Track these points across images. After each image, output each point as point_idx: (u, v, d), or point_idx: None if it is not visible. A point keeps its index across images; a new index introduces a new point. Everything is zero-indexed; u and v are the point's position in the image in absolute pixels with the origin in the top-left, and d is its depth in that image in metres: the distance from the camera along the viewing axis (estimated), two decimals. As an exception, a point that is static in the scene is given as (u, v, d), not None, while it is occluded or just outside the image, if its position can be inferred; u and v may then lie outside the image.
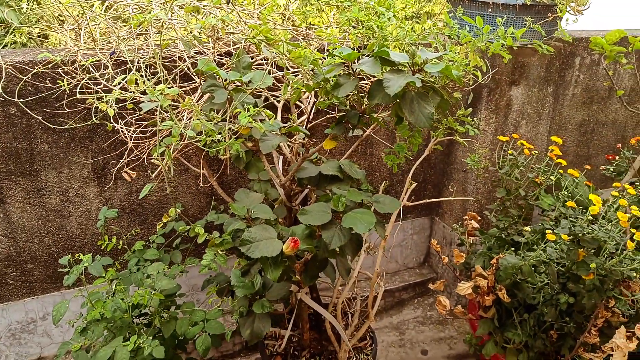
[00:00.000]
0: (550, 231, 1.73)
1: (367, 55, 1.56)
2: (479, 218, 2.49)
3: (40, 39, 3.70)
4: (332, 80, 1.51)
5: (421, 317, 3.19)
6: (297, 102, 2.24)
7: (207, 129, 1.46)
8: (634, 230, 1.72)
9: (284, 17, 2.02)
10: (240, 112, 1.51)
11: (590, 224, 1.70)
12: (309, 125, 2.24)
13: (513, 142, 2.28)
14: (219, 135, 1.51)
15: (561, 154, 2.19)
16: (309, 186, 1.99)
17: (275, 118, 2.14)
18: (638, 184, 2.40)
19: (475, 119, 2.87)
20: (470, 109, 2.06)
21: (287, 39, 2.09)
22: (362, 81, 1.82)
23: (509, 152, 2.17)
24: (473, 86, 2.06)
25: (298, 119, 2.18)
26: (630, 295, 1.68)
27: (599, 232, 1.63)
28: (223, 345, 2.80)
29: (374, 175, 2.97)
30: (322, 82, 1.54)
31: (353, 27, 1.74)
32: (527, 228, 1.86)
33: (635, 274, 1.61)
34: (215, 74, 1.61)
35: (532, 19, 2.46)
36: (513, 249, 1.96)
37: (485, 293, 1.99)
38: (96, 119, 1.67)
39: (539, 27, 2.10)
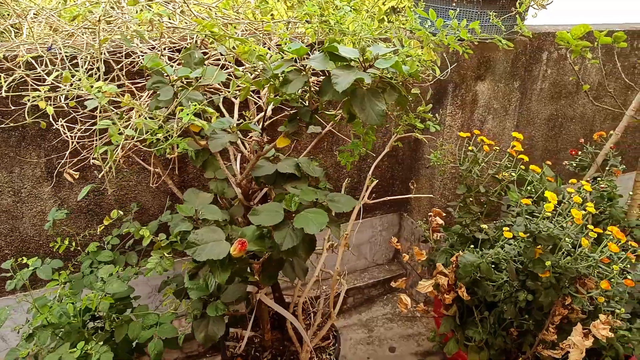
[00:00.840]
0: (507, 228, 1.72)
1: (319, 51, 1.51)
2: (444, 214, 2.47)
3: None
4: (282, 77, 1.47)
5: (390, 313, 3.17)
6: (257, 99, 2.19)
7: (149, 128, 1.40)
8: (592, 227, 1.71)
9: (238, 12, 1.97)
10: (201, 107, 1.46)
11: (547, 221, 1.68)
12: (269, 122, 2.19)
13: (474, 138, 2.25)
14: (164, 133, 1.46)
15: (522, 149, 2.17)
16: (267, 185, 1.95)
17: (233, 115, 2.09)
18: (600, 179, 2.40)
19: (440, 114, 2.85)
20: (430, 105, 2.03)
21: (246, 34, 2.04)
22: (316, 77, 1.77)
23: (469, 148, 2.15)
24: (432, 82, 2.03)
25: (258, 115, 2.14)
26: (586, 293, 1.67)
27: (554, 229, 1.62)
28: (187, 345, 2.75)
29: (341, 172, 2.94)
30: (271, 79, 1.49)
31: (307, 21, 1.69)
32: (485, 226, 1.85)
33: (590, 271, 1.60)
34: (162, 70, 1.55)
35: (495, 13, 2.44)
36: (473, 246, 1.94)
37: (445, 291, 1.97)
38: (42, 119, 1.61)
39: (498, 21, 2.08)
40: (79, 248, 2.09)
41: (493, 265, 1.91)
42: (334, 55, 1.44)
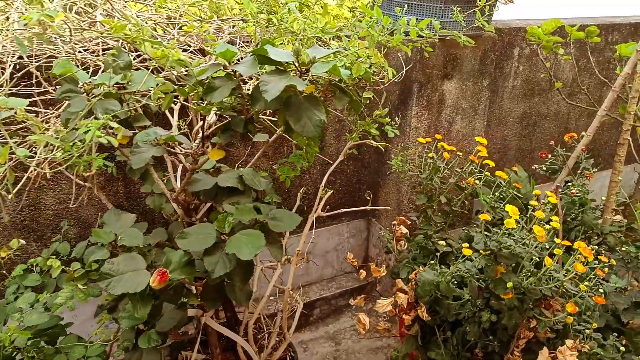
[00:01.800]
0: (467, 245, 1.57)
1: (251, 54, 1.35)
2: (409, 222, 2.32)
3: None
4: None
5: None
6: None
7: (54, 144, 1.22)
8: (559, 240, 1.57)
9: (178, 10, 1.79)
10: (105, 122, 1.29)
11: (508, 237, 1.54)
12: (216, 128, 2.02)
13: (437, 144, 2.10)
14: (78, 150, 1.28)
15: (493, 151, 2.02)
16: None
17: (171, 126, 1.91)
18: (572, 183, 2.27)
19: (405, 116, 2.70)
20: (387, 110, 1.88)
21: (182, 35, 1.86)
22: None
23: (430, 155, 2.00)
24: (387, 84, 1.87)
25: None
26: (551, 316, 1.53)
27: (516, 246, 1.48)
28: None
29: (303, 178, 2.77)
30: (195, 85, 1.32)
31: (243, 20, 1.52)
32: (442, 242, 1.70)
33: (556, 292, 1.46)
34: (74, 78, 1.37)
35: (460, 9, 2.29)
36: (433, 261, 1.79)
37: (405, 310, 1.82)
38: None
39: (459, 17, 1.92)
40: (3, 271, 1.90)
41: (458, 281, 1.77)
42: (266, 58, 1.27)
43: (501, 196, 2.14)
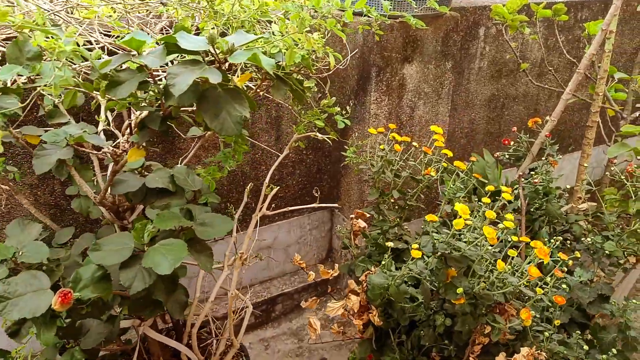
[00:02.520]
0: (417, 245, 1.45)
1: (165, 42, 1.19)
2: (369, 215, 2.20)
3: None
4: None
5: (322, 320, 2.91)
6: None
7: None
8: (515, 238, 1.45)
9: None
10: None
11: (459, 239, 1.42)
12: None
13: (386, 135, 1.96)
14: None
15: (443, 145, 1.90)
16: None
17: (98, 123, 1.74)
18: (535, 172, 2.16)
19: (364, 102, 2.56)
20: (334, 98, 1.73)
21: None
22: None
23: (381, 147, 1.87)
24: (330, 72, 1.72)
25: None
26: (505, 323, 1.42)
27: (467, 249, 1.36)
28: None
29: (259, 170, 2.63)
30: (100, 79, 1.16)
31: (162, 3, 1.36)
32: (390, 243, 1.57)
33: (512, 295, 1.35)
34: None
35: (417, -13, 2.14)
36: (384, 262, 1.67)
37: (356, 314, 1.70)
38: None
39: (410, -4, 1.78)
40: None
41: (414, 283, 1.65)
42: (176, 47, 1.12)
43: (462, 186, 2.02)
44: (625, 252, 1.97)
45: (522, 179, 2.04)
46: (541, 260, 1.42)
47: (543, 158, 2.15)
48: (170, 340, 1.76)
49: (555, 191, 2.05)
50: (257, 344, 2.80)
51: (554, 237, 1.97)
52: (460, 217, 1.34)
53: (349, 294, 1.75)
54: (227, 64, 1.18)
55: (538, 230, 2.11)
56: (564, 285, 1.82)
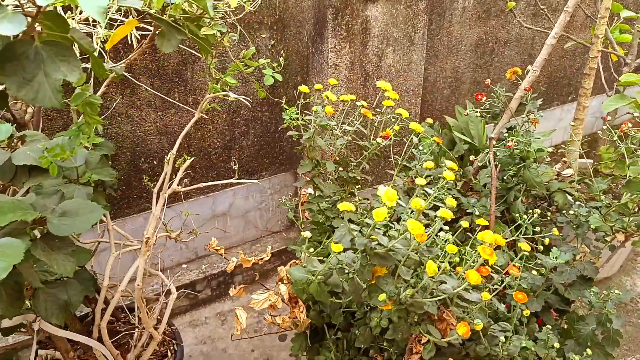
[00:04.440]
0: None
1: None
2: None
3: None
4: None
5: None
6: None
7: None
8: (448, 237, 1.16)
9: None
10: None
11: (385, 232, 1.13)
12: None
13: (320, 92, 1.62)
14: None
15: (393, 104, 1.57)
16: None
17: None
18: (511, 132, 1.83)
19: (321, 50, 2.21)
20: (253, 49, 1.41)
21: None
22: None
23: (314, 109, 1.55)
24: (239, 16, 1.38)
25: None
26: (438, 337, 1.14)
27: (390, 245, 1.07)
28: None
29: (205, 130, 2.32)
30: None
31: None
32: (307, 235, 1.28)
33: (448, 304, 1.07)
34: None
35: None
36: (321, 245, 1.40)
37: (289, 305, 1.45)
38: None
39: None
40: None
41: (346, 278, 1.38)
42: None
43: (428, 152, 1.71)
44: (613, 228, 1.68)
45: (494, 142, 1.72)
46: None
47: (523, 115, 1.82)
48: (72, 333, 1.52)
49: (533, 154, 1.73)
50: (213, 318, 2.59)
51: (533, 209, 1.68)
52: (384, 205, 1.04)
53: (279, 282, 1.49)
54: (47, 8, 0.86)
55: (513, 202, 1.81)
56: (533, 272, 1.54)
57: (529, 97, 1.85)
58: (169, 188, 1.45)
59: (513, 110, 1.87)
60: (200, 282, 2.60)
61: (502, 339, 1.23)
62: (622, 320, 1.58)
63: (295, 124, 1.62)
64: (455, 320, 1.12)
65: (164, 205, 1.44)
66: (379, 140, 1.57)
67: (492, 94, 1.87)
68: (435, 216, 1.11)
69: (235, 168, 1.56)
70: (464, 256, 1.17)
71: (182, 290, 2.54)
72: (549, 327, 1.49)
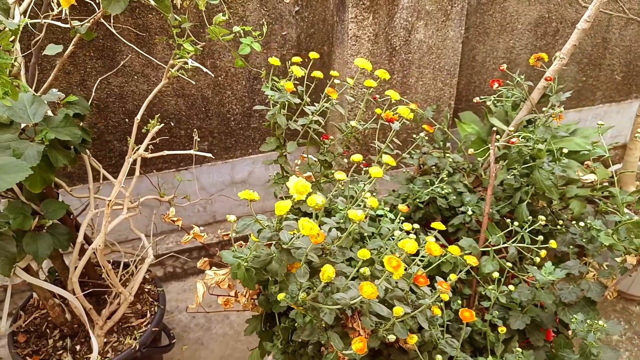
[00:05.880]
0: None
1: None
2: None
3: None
4: None
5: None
6: None
7: None
8: (408, 227, 1.04)
9: None
10: None
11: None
12: None
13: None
14: None
15: (374, 84, 1.43)
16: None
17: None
18: (525, 128, 1.62)
19: (340, 21, 2.08)
20: (225, 16, 1.33)
21: None
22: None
23: (281, 84, 1.44)
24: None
25: None
26: (341, 347, 1.01)
27: (290, 242, 0.95)
28: None
29: (224, 95, 2.29)
30: None
31: None
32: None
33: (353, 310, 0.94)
34: None
35: None
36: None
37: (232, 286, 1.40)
38: None
39: None
40: None
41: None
42: None
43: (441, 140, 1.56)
44: (627, 248, 1.45)
45: (495, 138, 1.53)
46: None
47: (544, 109, 1.60)
48: (48, 284, 1.59)
49: (544, 155, 1.52)
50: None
51: (537, 217, 1.49)
52: (292, 198, 0.94)
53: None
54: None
55: (518, 204, 1.62)
56: (511, 287, 1.37)
57: (553, 88, 1.62)
58: (134, 153, 1.43)
59: (535, 101, 1.65)
60: (215, 245, 2.63)
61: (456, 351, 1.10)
62: (617, 355, 1.38)
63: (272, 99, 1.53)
64: (364, 332, 1.01)
65: (133, 172, 1.43)
66: (352, 123, 1.44)
67: (509, 82, 1.65)
68: (367, 215, 1.00)
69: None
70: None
71: (194, 252, 2.59)
72: (520, 351, 1.33)
